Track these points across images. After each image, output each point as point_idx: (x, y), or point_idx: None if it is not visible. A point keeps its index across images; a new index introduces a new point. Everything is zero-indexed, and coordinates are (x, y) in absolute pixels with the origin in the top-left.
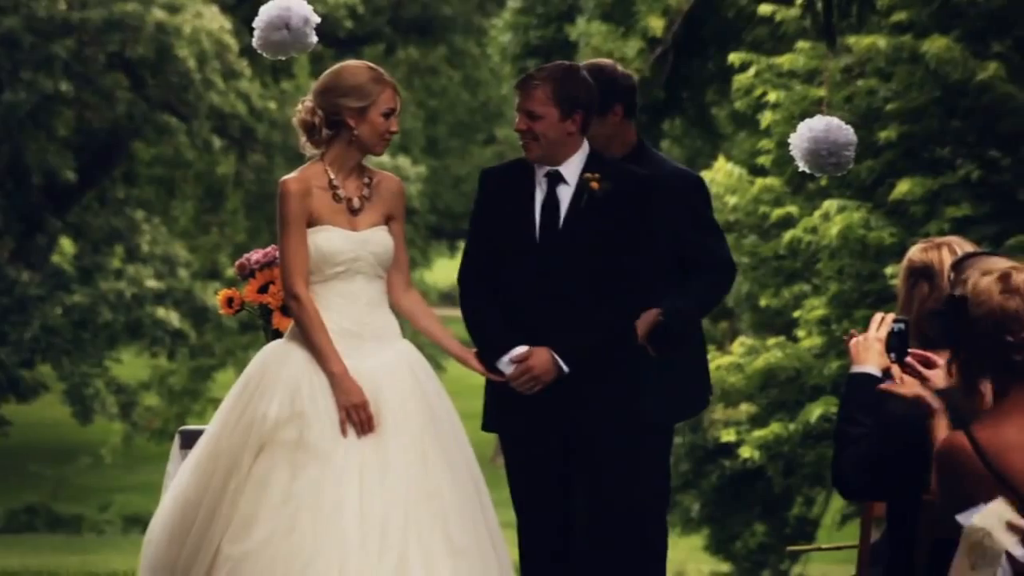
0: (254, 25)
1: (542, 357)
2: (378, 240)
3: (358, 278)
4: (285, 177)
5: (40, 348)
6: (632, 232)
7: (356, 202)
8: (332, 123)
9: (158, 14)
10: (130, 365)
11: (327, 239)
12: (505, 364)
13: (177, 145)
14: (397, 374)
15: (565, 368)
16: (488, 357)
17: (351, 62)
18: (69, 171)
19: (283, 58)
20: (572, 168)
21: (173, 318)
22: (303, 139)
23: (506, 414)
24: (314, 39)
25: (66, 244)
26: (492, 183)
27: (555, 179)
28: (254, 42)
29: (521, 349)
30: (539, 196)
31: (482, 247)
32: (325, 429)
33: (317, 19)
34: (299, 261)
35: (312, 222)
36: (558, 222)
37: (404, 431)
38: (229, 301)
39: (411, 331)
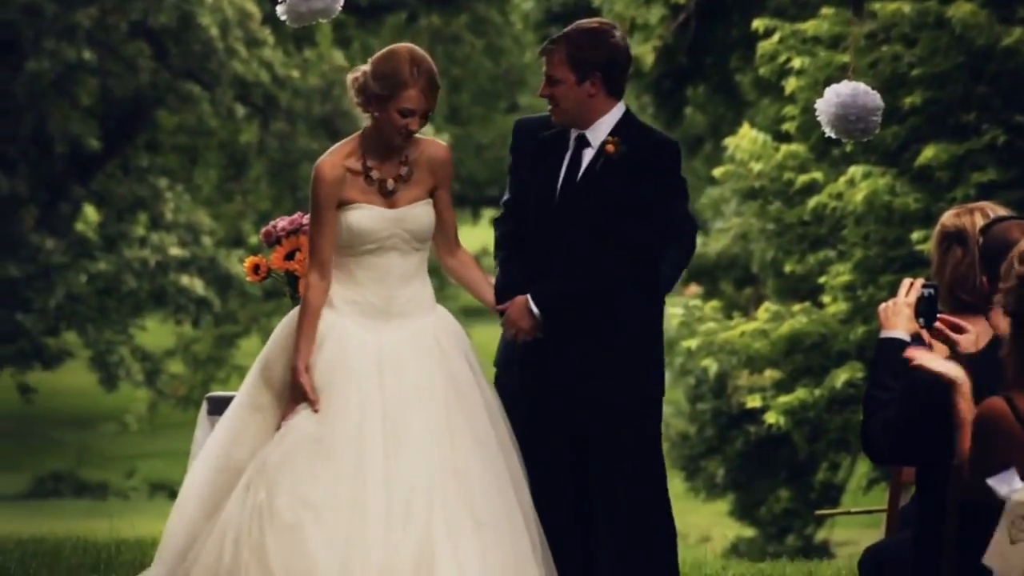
0: None
1: (517, 304)
2: (415, 216)
3: (392, 254)
4: (320, 159)
5: (65, 316)
6: (641, 195)
7: (391, 184)
8: (366, 99)
9: None
10: (155, 332)
11: (359, 217)
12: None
13: (200, 113)
14: (421, 348)
15: (535, 310)
16: (499, 304)
17: (399, 49)
18: (93, 139)
19: (306, 25)
20: (600, 132)
21: (197, 285)
22: (353, 99)
23: (511, 377)
24: (339, 5)
25: (90, 212)
26: (528, 138)
27: (581, 142)
28: (279, 10)
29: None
30: (567, 158)
31: (515, 200)
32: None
33: None
34: (319, 248)
35: (345, 202)
36: (576, 182)
37: (427, 406)
38: (256, 268)
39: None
